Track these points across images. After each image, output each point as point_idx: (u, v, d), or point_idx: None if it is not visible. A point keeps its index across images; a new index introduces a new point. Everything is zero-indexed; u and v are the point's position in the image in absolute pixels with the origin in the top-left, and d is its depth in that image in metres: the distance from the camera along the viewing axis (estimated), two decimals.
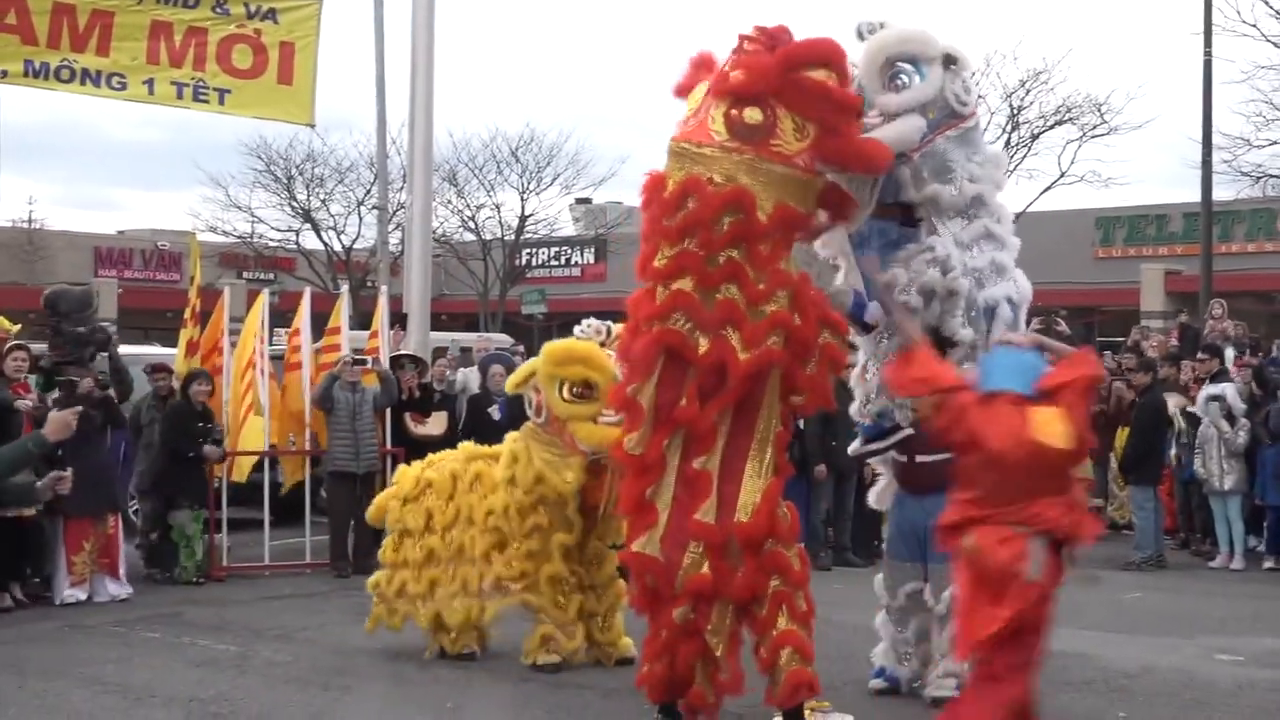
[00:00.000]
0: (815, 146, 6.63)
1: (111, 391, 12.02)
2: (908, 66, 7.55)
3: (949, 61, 7.69)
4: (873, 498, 8.47)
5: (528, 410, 8.97)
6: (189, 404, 12.76)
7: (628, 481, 7.04)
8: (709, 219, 6.52)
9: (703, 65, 7.03)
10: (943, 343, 7.78)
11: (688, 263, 6.60)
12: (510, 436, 9.16)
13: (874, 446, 8.14)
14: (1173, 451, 13.81)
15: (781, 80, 6.58)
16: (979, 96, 8.36)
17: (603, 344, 8.54)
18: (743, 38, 6.87)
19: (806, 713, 6.87)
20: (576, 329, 8.77)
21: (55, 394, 11.25)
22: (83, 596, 11.34)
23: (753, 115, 6.55)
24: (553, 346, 8.77)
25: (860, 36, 7.64)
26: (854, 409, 8.19)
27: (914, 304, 7.57)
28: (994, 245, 7.76)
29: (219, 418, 13.25)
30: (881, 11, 7.99)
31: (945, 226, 7.62)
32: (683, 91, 7.06)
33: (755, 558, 6.81)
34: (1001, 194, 8.01)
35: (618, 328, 8.19)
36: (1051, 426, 5.81)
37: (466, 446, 9.74)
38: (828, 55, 6.80)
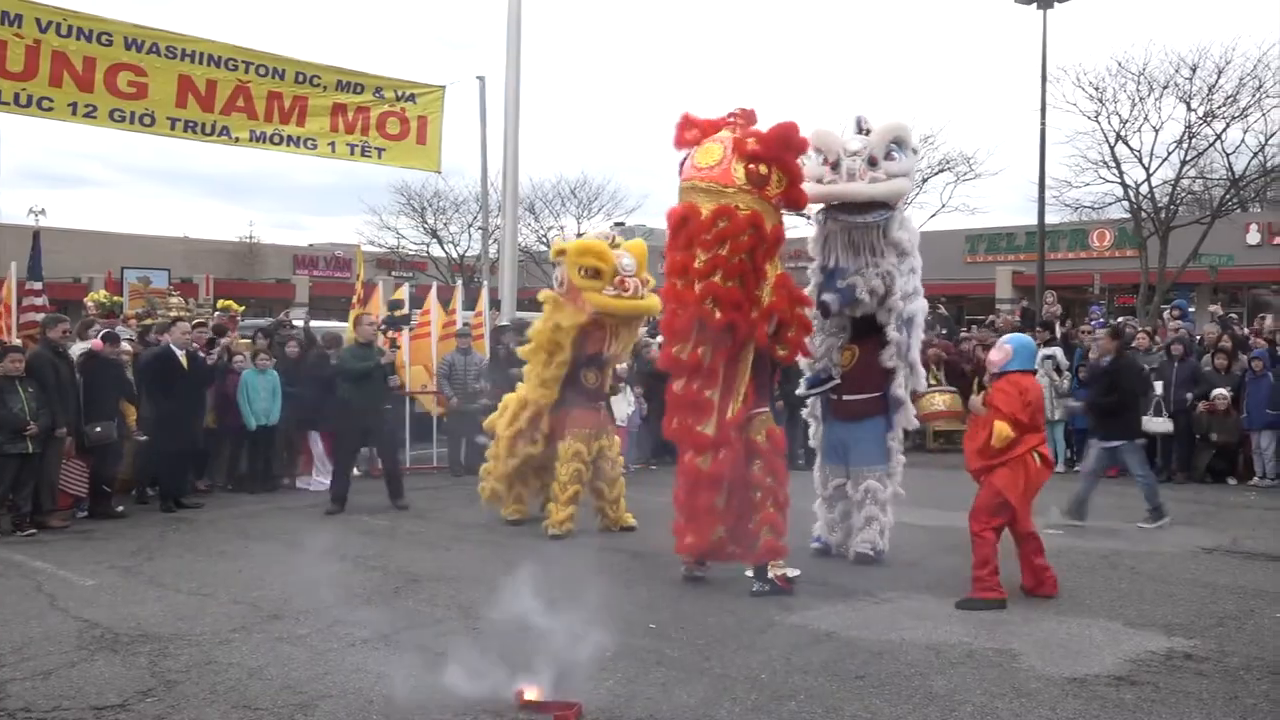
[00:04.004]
0: (782, 195, 6.88)
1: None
2: (897, 147, 7.68)
3: (914, 150, 7.89)
4: (811, 440, 8.45)
5: (554, 284, 9.21)
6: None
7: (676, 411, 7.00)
8: (737, 232, 6.63)
9: (687, 126, 7.07)
10: (878, 333, 7.77)
11: (719, 263, 6.64)
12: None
13: (816, 390, 8.09)
14: None
15: (779, 154, 6.81)
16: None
17: (611, 244, 8.79)
18: (730, 113, 7.05)
19: (770, 568, 6.87)
20: (593, 232, 8.95)
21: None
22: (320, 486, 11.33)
23: (762, 169, 6.75)
24: (577, 242, 8.96)
25: (858, 126, 7.83)
26: (803, 364, 8.18)
27: (865, 299, 7.62)
28: (915, 277, 7.88)
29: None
30: (859, 105, 8.27)
31: (895, 263, 7.68)
32: (680, 144, 7.06)
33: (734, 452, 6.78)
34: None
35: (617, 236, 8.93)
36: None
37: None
38: (803, 145, 7.10)
